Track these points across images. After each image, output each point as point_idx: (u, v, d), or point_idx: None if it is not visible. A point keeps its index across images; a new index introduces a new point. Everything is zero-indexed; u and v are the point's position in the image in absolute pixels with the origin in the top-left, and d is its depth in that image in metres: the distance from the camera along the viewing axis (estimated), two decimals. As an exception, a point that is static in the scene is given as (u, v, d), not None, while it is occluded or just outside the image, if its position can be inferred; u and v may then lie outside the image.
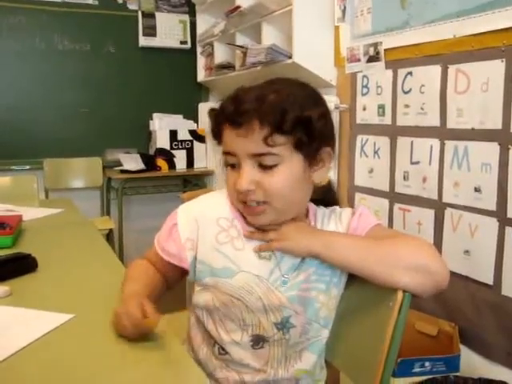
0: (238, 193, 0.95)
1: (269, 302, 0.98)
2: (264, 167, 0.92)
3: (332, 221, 1.06)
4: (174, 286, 1.13)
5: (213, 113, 0.99)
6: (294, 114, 0.90)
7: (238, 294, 0.98)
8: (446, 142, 1.97)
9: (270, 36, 2.91)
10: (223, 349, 1.02)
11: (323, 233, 1.01)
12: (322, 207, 1.10)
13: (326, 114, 0.97)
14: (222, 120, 0.96)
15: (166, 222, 1.07)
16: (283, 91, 0.93)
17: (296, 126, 0.90)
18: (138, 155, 3.82)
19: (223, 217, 1.03)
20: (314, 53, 2.61)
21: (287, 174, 0.93)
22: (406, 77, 2.16)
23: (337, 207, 1.11)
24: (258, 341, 1.00)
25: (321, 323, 1.03)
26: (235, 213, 1.03)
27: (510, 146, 1.71)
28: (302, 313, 1.00)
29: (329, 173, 1.02)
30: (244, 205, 0.97)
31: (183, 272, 1.06)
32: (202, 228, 1.02)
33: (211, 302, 1.01)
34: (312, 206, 1.08)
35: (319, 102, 0.98)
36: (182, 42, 4.12)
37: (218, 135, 0.98)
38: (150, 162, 3.80)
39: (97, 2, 3.85)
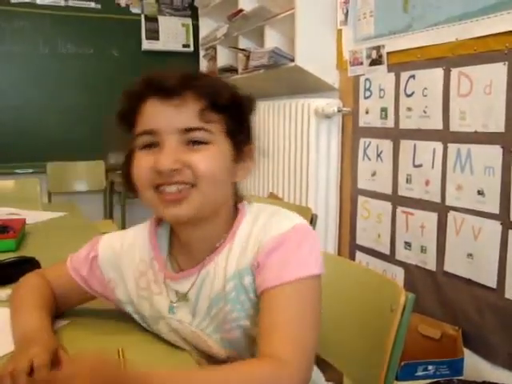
0: (157, 175, 0.81)
1: (198, 346, 0.91)
2: (193, 145, 0.81)
3: (252, 236, 0.86)
4: (68, 308, 1.05)
5: (133, 88, 0.87)
6: (228, 92, 0.83)
7: (170, 338, 0.94)
8: (448, 145, 1.97)
9: (272, 39, 2.91)
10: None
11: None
12: (254, 207, 0.92)
13: (254, 104, 0.89)
14: (144, 93, 0.84)
15: (86, 247, 1.00)
16: (211, 75, 0.90)
17: (230, 106, 0.83)
18: (141, 159, 3.81)
19: (142, 258, 0.94)
20: (316, 56, 2.61)
21: (217, 154, 0.82)
22: (408, 80, 2.16)
23: (280, 211, 0.90)
24: (210, 358, 0.93)
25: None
26: (155, 251, 0.93)
27: (513, 149, 1.71)
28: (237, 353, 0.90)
29: (246, 176, 0.90)
30: (159, 194, 0.82)
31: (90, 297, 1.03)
32: (124, 271, 0.96)
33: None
34: (244, 208, 0.91)
35: (247, 93, 0.89)
36: (184, 46, 4.12)
37: (130, 116, 0.87)
38: (152, 165, 3.79)
39: (100, 6, 3.86)
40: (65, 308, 1.04)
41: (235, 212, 0.90)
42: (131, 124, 0.86)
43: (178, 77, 0.83)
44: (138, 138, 0.84)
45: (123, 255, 0.96)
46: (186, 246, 0.91)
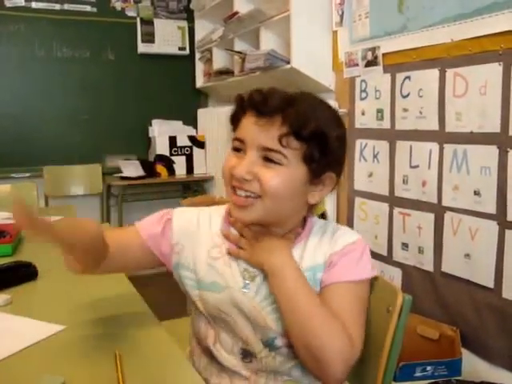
0: (232, 178, 0.94)
1: (255, 321, 0.97)
2: (267, 162, 0.91)
3: (325, 240, 1.01)
4: (131, 269, 1.11)
5: (239, 98, 0.98)
6: (315, 125, 0.90)
7: (226, 308, 0.98)
8: (444, 145, 1.97)
9: (268, 41, 2.91)
10: (216, 357, 1.02)
11: (281, 258, 0.95)
12: (320, 221, 1.06)
13: (343, 138, 0.98)
14: (246, 105, 0.95)
15: (157, 214, 1.08)
16: (312, 102, 0.96)
17: (313, 137, 0.90)
18: (138, 162, 3.82)
19: (218, 233, 1.03)
20: (312, 58, 2.62)
21: (287, 176, 0.91)
22: (404, 81, 2.16)
23: (340, 226, 1.07)
24: (247, 355, 1.00)
25: None
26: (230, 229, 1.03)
27: (508, 149, 1.71)
28: (287, 336, 0.97)
29: (325, 196, 1.01)
30: (234, 193, 0.94)
31: (153, 262, 1.06)
32: (195, 238, 1.03)
33: (204, 313, 1.02)
34: (312, 220, 1.05)
35: (341, 125, 0.99)
36: (180, 49, 4.13)
37: (235, 120, 0.98)
38: (149, 168, 3.80)
39: (95, 10, 3.86)
40: (118, 261, 1.03)
41: (303, 221, 1.03)
42: (235, 126, 0.99)
43: (274, 99, 0.92)
44: (233, 140, 0.97)
45: (199, 224, 1.05)
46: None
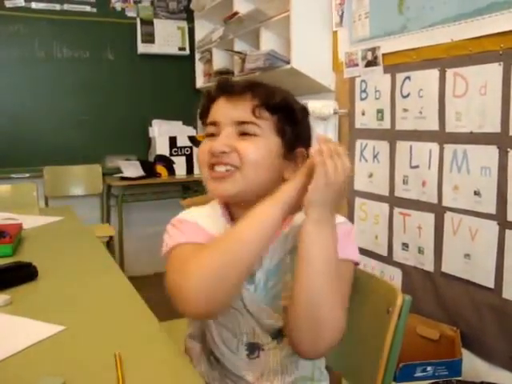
0: (210, 156, 0.97)
1: (258, 316, 0.98)
2: (243, 135, 0.96)
3: None
4: None
5: (207, 91, 1.05)
6: (281, 97, 0.99)
7: (234, 303, 0.98)
8: (445, 145, 1.97)
9: (268, 42, 2.91)
10: (219, 360, 1.02)
11: (333, 216, 0.90)
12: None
13: (306, 110, 1.05)
14: (215, 93, 1.02)
15: (172, 231, 1.00)
16: (272, 84, 1.03)
17: (281, 108, 0.98)
18: (138, 162, 3.82)
19: (219, 231, 1.00)
20: (312, 58, 2.62)
21: (264, 146, 0.97)
22: (404, 81, 2.16)
23: None
24: (253, 349, 1.00)
25: None
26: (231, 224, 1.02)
27: (508, 149, 1.71)
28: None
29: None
30: (211, 172, 0.97)
31: None
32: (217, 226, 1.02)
33: None
34: None
35: (301, 103, 1.06)
36: (180, 49, 4.13)
37: (206, 113, 1.03)
38: (149, 168, 3.80)
39: (95, 10, 3.86)
40: None
41: None
42: (206, 119, 1.03)
43: (242, 81, 1.01)
44: (205, 128, 1.02)
45: (204, 223, 1.02)
46: None
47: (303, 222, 0.89)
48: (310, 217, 0.87)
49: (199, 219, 1.02)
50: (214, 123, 1.00)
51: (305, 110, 1.05)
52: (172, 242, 0.96)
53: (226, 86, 1.00)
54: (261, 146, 0.96)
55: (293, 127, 0.99)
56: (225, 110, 0.99)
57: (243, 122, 0.96)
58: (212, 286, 0.83)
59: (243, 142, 0.96)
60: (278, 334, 0.99)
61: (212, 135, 0.99)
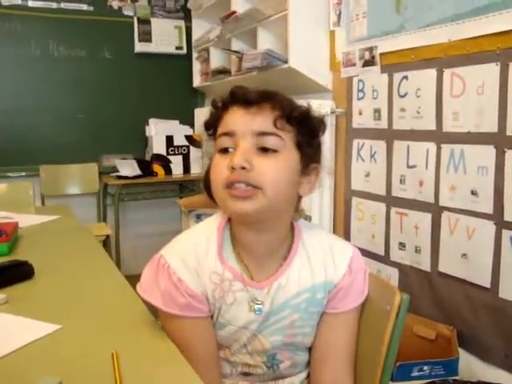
0: (230, 172, 0.88)
1: (252, 347, 0.99)
2: (263, 151, 0.89)
3: (320, 254, 0.99)
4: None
5: (220, 98, 0.96)
6: (302, 109, 0.93)
7: (224, 342, 0.99)
8: (442, 145, 1.97)
9: (265, 41, 2.91)
10: None
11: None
12: (304, 224, 1.03)
13: (325, 126, 0.98)
14: (229, 102, 0.93)
15: (164, 281, 0.94)
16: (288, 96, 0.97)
17: (302, 121, 0.92)
18: (135, 161, 3.81)
19: (214, 271, 0.95)
20: (309, 57, 2.61)
21: (285, 162, 0.90)
22: (401, 81, 2.16)
23: (323, 232, 1.06)
24: (247, 375, 1.02)
25: (307, 348, 1.04)
26: (225, 264, 0.96)
27: (505, 149, 1.71)
28: (287, 350, 1.01)
29: (313, 191, 0.98)
30: (230, 190, 0.88)
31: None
32: (202, 279, 0.95)
33: None
34: (298, 224, 1.02)
35: (320, 115, 1.00)
36: (177, 48, 4.12)
37: (214, 123, 0.95)
38: (146, 167, 3.79)
39: (92, 9, 3.85)
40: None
41: (291, 225, 1.01)
42: (214, 131, 0.95)
43: (258, 91, 0.92)
44: (218, 140, 0.92)
45: (199, 264, 0.95)
46: (249, 251, 0.97)
47: None
48: None
49: (182, 268, 0.94)
50: (228, 133, 0.90)
51: (323, 123, 0.98)
52: (153, 301, 0.95)
53: (242, 95, 0.91)
54: (282, 165, 0.89)
55: (312, 141, 0.94)
56: (243, 120, 0.90)
57: (264, 133, 0.89)
58: None
59: (263, 160, 0.88)
60: (273, 363, 1.02)
61: (225, 150, 0.91)
